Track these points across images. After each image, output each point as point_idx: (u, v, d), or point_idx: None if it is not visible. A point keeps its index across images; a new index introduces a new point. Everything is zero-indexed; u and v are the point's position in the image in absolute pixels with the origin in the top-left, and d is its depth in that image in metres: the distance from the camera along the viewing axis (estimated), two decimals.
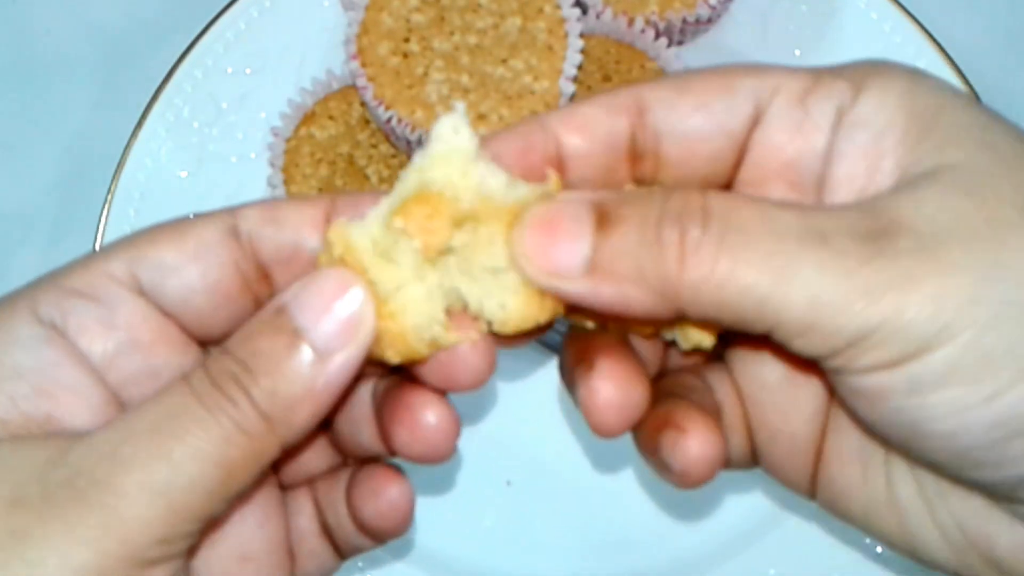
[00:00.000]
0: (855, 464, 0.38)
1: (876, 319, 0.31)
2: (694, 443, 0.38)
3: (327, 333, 0.33)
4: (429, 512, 0.61)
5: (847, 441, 0.39)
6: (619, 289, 0.33)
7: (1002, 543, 0.35)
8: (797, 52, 0.68)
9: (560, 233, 0.34)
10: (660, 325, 0.39)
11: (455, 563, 0.60)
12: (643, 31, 0.64)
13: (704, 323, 0.38)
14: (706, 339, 0.39)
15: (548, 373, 0.63)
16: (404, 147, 0.60)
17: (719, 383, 0.41)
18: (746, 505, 0.60)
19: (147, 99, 0.66)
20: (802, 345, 0.32)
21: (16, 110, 0.73)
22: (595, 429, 0.37)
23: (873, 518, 0.38)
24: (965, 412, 0.31)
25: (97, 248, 0.64)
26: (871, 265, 0.31)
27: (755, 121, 0.35)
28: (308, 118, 0.63)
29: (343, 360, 0.33)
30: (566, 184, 0.37)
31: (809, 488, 0.40)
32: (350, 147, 0.62)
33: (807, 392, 0.39)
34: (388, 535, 0.39)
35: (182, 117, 0.66)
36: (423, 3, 0.57)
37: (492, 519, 0.61)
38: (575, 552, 0.60)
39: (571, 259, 0.34)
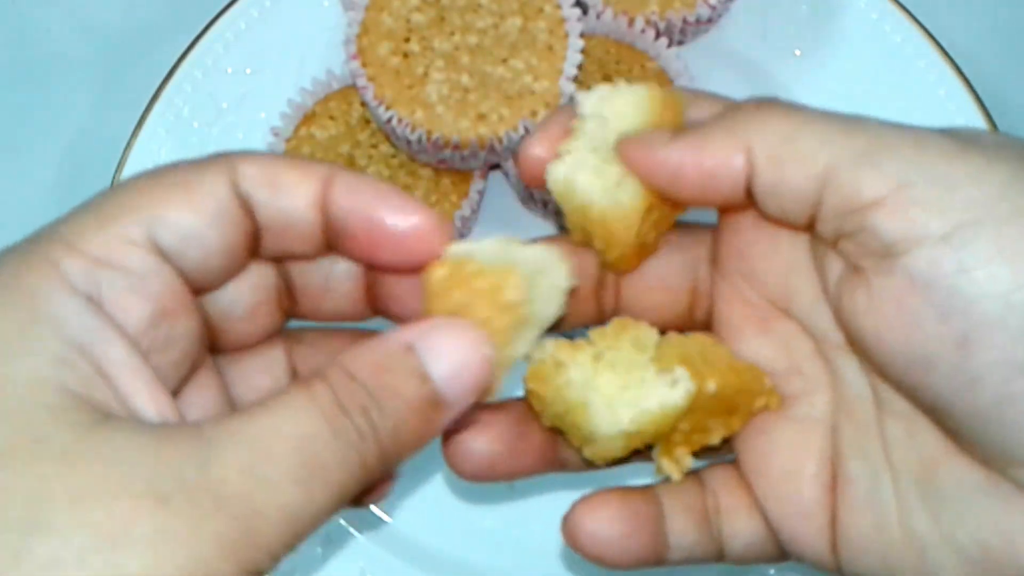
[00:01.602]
0: (866, 512, 0.38)
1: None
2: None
3: (455, 392, 0.33)
4: (429, 512, 0.61)
5: (855, 490, 0.39)
6: (701, 142, 0.36)
7: None
8: (797, 52, 0.68)
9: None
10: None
11: (455, 563, 0.60)
12: (643, 31, 0.64)
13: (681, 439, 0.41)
14: (674, 470, 0.41)
15: None
16: (404, 147, 0.60)
17: (722, 482, 0.42)
18: None
19: (147, 99, 0.66)
20: (852, 184, 0.34)
21: (16, 110, 0.73)
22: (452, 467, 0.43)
23: (894, 564, 0.38)
24: (1012, 293, 0.32)
25: None
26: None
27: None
28: (308, 118, 0.63)
29: (456, 415, 0.34)
30: None
31: (832, 557, 0.40)
32: (350, 147, 0.62)
33: (810, 446, 0.40)
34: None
35: (182, 117, 0.66)
36: (423, 3, 0.57)
37: (493, 520, 0.61)
38: (575, 552, 0.60)
39: (659, 136, 0.38)
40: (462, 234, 0.63)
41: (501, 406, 0.43)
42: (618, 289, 0.44)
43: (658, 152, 0.37)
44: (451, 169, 0.61)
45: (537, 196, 0.62)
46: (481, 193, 0.63)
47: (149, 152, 0.65)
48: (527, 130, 0.56)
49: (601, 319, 0.43)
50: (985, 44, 0.71)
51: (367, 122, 0.63)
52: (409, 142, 0.57)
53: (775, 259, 0.40)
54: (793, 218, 0.37)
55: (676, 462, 0.41)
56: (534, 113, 0.57)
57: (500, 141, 0.57)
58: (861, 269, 0.35)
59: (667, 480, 0.42)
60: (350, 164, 0.62)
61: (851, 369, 0.40)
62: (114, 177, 0.65)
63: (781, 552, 0.42)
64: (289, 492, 0.30)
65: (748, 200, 0.37)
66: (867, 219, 0.34)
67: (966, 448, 0.35)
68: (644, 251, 0.42)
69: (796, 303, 0.41)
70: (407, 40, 0.57)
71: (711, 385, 0.39)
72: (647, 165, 0.38)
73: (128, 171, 0.65)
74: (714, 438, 0.41)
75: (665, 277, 0.43)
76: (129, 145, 0.65)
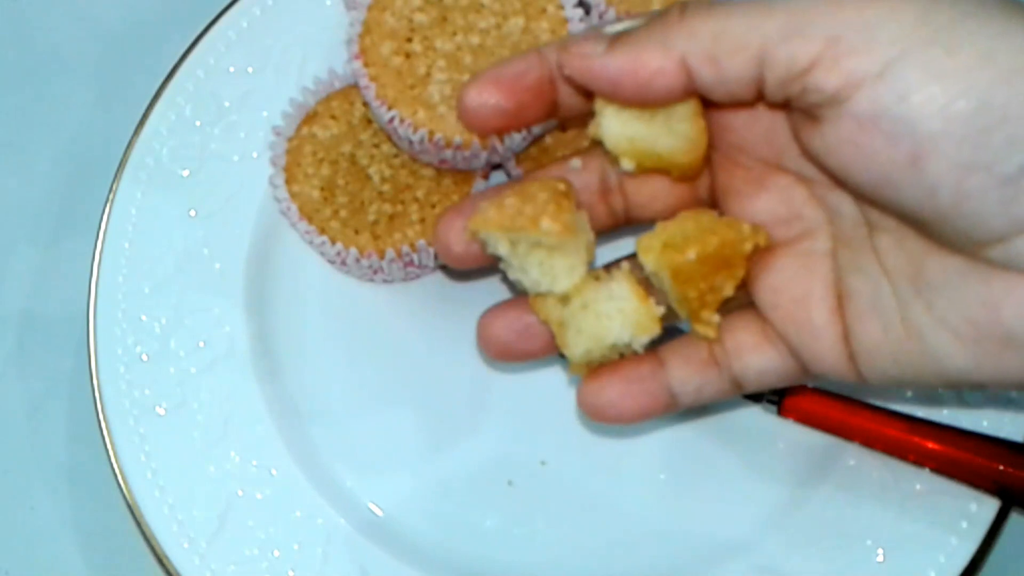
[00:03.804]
0: (872, 319, 0.44)
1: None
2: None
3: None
4: (429, 512, 0.61)
5: (860, 303, 0.44)
6: (635, 55, 0.41)
7: (1007, 309, 0.39)
8: None
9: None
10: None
11: (455, 563, 0.60)
12: None
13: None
14: (709, 331, 0.48)
15: (550, 373, 0.63)
16: (406, 147, 0.60)
17: (727, 328, 0.48)
18: (747, 506, 0.60)
19: (149, 98, 0.66)
20: (787, 56, 0.39)
21: (16, 109, 0.73)
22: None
23: (903, 360, 0.43)
24: (947, 107, 0.37)
25: (98, 248, 0.64)
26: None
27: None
28: (310, 117, 0.63)
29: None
30: (557, 104, 0.47)
31: (850, 367, 0.45)
32: (352, 146, 0.62)
33: (816, 275, 0.46)
34: None
35: (184, 116, 0.66)
36: (425, 3, 0.57)
37: (493, 519, 0.61)
38: (576, 552, 0.60)
39: (593, 47, 0.43)
40: None
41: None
42: (624, 191, 0.50)
43: (595, 63, 0.42)
44: (453, 169, 0.61)
45: None
46: None
47: (151, 151, 0.65)
48: (529, 130, 0.56)
49: (615, 221, 0.51)
50: None
51: (369, 121, 0.63)
52: (411, 142, 0.57)
53: (756, 127, 0.46)
54: (741, 99, 0.42)
55: (707, 324, 0.47)
56: None
57: (502, 141, 0.57)
58: (815, 119, 0.40)
59: (667, 340, 0.50)
60: (352, 164, 0.62)
61: (843, 203, 0.45)
62: (115, 177, 0.65)
63: (798, 374, 0.48)
64: None
65: (690, 95, 0.42)
66: (807, 81, 0.39)
67: (944, 244, 0.41)
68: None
69: (785, 158, 0.46)
70: (409, 40, 0.57)
71: (691, 254, 0.45)
72: (586, 74, 0.43)
73: (129, 170, 0.65)
74: (727, 291, 0.46)
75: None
76: (130, 144, 0.65)
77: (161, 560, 0.59)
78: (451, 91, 0.56)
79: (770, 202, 0.47)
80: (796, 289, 0.46)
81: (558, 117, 0.48)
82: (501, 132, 0.50)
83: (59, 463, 0.66)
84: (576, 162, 0.50)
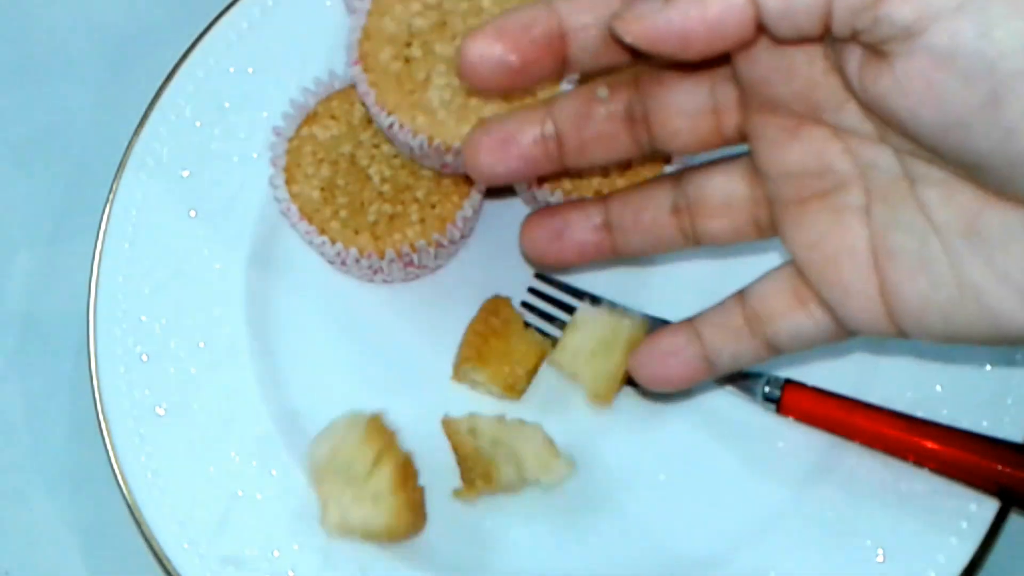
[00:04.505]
0: (920, 276, 0.42)
1: None
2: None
3: None
4: (429, 512, 0.61)
5: (904, 260, 0.43)
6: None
7: None
8: None
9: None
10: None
11: (455, 563, 0.60)
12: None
13: None
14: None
15: (549, 372, 0.63)
16: (407, 153, 0.59)
17: (758, 295, 0.49)
18: (747, 506, 0.60)
19: (149, 98, 0.66)
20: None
21: (17, 109, 0.73)
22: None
23: (954, 317, 0.42)
24: None
25: (98, 248, 0.64)
26: None
27: None
28: (310, 118, 0.63)
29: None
30: (568, 60, 0.44)
31: (889, 324, 0.44)
32: (352, 147, 0.62)
33: (851, 231, 0.44)
34: None
35: (184, 116, 0.66)
36: (425, 8, 0.57)
37: (493, 520, 0.61)
38: (576, 553, 0.60)
39: (649, 4, 0.40)
40: (463, 234, 0.63)
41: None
42: (648, 122, 0.48)
43: (658, 21, 0.39)
44: (455, 173, 0.61)
45: (540, 198, 0.62)
46: (483, 194, 0.63)
47: (151, 151, 0.65)
48: None
49: (640, 151, 0.50)
50: None
51: (369, 122, 0.63)
52: (412, 148, 0.57)
53: (794, 82, 0.43)
54: (807, 34, 0.39)
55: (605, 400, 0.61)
56: None
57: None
58: (884, 55, 0.38)
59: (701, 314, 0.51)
60: (352, 164, 0.62)
61: (881, 157, 0.43)
62: (115, 177, 0.65)
63: (834, 334, 0.47)
64: None
65: (757, 33, 0.40)
66: (880, 11, 0.36)
67: (1006, 196, 0.39)
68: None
69: (823, 111, 0.44)
70: (409, 45, 0.57)
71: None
72: (651, 34, 0.40)
73: (130, 171, 0.65)
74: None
75: (686, 103, 0.48)
76: (130, 144, 0.65)
77: (161, 560, 0.59)
78: (451, 96, 0.56)
79: (802, 153, 0.45)
80: (829, 245, 0.45)
81: (568, 75, 0.47)
82: (506, 91, 0.49)
83: (59, 463, 0.66)
84: (603, 91, 0.49)
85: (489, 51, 0.43)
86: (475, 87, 0.45)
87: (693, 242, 0.53)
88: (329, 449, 0.57)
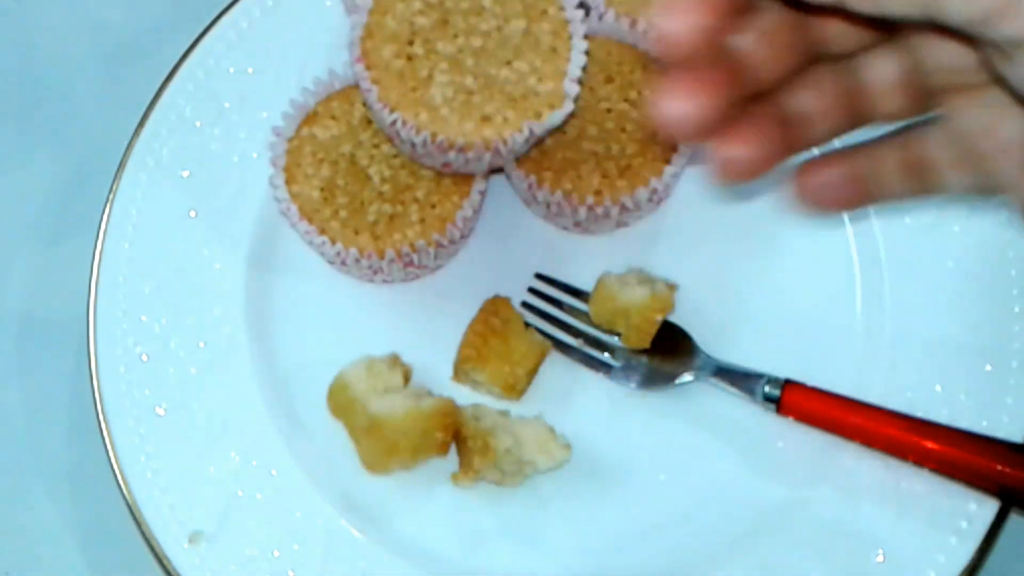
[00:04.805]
0: None
1: None
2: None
3: None
4: (430, 512, 0.61)
5: None
6: None
7: None
8: None
9: None
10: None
11: (455, 563, 0.60)
12: (646, 32, 0.64)
13: None
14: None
15: (550, 372, 0.63)
16: (408, 150, 0.59)
17: (932, 142, 0.45)
18: (747, 506, 0.61)
19: (149, 98, 0.66)
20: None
21: (17, 109, 0.73)
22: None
23: None
24: None
25: (98, 248, 0.64)
26: None
27: None
28: (310, 118, 0.63)
29: None
30: None
31: None
32: (352, 147, 0.62)
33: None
34: None
35: (184, 116, 0.66)
36: (426, 6, 0.57)
37: (493, 520, 0.61)
38: (576, 553, 0.60)
39: None
40: (463, 234, 0.63)
41: None
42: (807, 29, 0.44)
43: None
44: (455, 172, 0.61)
45: (540, 198, 0.62)
46: (483, 194, 0.63)
47: (151, 151, 0.65)
48: (532, 132, 0.56)
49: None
50: None
51: (369, 122, 0.63)
52: (414, 145, 0.57)
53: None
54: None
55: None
56: (538, 115, 0.57)
57: (505, 143, 0.57)
58: (1004, 53, 0.36)
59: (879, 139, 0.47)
60: (352, 164, 0.62)
61: None
62: (115, 177, 0.65)
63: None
64: None
65: None
66: (987, 32, 0.35)
67: None
68: None
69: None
70: (411, 43, 0.57)
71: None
72: None
73: (130, 171, 0.65)
74: None
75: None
76: (131, 144, 0.66)
77: (161, 560, 0.59)
78: (453, 93, 0.56)
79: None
80: (994, 121, 0.42)
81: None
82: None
83: (59, 463, 0.66)
84: None
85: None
86: (669, 55, 0.40)
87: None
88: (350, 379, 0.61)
